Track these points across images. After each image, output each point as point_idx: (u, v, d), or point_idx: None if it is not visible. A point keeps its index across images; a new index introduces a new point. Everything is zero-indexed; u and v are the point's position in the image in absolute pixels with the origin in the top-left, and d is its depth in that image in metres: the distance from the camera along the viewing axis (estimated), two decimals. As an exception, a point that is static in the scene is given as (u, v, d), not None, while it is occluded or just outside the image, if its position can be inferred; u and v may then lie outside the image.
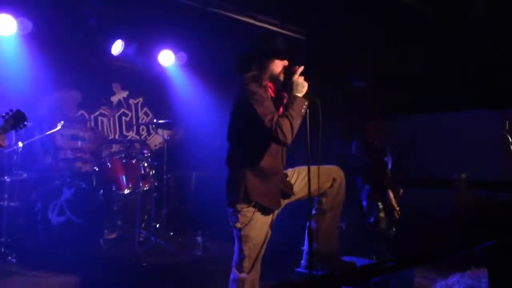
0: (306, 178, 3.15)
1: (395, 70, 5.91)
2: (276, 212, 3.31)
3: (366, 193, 5.02)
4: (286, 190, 3.33)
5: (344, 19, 5.66)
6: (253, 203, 3.15)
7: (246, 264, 3.19)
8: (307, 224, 3.41)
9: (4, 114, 3.11)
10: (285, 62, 3.24)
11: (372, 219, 4.89)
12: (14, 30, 5.30)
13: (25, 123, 3.15)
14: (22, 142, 4.96)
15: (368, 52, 5.90)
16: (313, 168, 3.30)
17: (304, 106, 3.06)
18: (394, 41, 5.73)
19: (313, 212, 3.58)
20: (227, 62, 3.86)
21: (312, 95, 3.10)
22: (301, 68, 3.14)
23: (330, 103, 3.72)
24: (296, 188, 3.40)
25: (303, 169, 3.27)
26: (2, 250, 4.77)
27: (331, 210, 3.57)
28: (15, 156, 5.02)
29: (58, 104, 5.74)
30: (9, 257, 4.72)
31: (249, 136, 3.16)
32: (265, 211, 3.19)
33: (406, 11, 5.24)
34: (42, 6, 5.15)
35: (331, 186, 3.52)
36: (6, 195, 4.89)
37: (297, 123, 3.01)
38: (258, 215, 3.17)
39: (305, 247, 3.59)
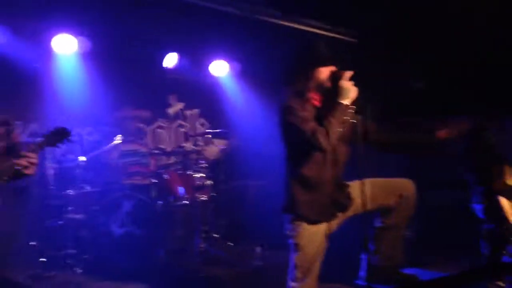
0: (369, 191, 3.07)
1: (453, 70, 5.62)
2: (334, 223, 3.21)
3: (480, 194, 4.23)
4: (343, 201, 3.22)
5: (398, 18, 5.45)
6: (299, 214, 3.12)
7: (297, 273, 3.14)
8: (368, 235, 3.30)
9: (45, 133, 3.07)
10: (332, 68, 3.15)
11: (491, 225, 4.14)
12: (74, 49, 5.52)
13: (67, 138, 3.09)
14: (85, 156, 5.16)
15: (425, 51, 5.65)
16: (378, 181, 3.23)
17: (346, 113, 3.00)
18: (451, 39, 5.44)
19: (377, 224, 3.44)
20: (279, 70, 3.82)
21: (363, 101, 3.01)
22: (348, 73, 3.04)
23: (387, 106, 3.58)
24: (358, 200, 3.24)
25: (368, 182, 3.17)
26: (68, 261, 4.94)
27: (395, 226, 3.40)
28: (78, 170, 5.22)
29: (123, 120, 5.91)
30: (75, 268, 4.88)
31: (289, 146, 3.18)
32: (312, 222, 3.13)
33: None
34: (99, 25, 5.33)
35: (397, 202, 3.33)
36: (70, 208, 5.08)
37: (334, 129, 2.96)
38: (306, 224, 3.12)
39: (364, 258, 3.46)
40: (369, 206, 3.12)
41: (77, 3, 4.84)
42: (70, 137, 3.04)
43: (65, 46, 5.46)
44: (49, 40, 5.38)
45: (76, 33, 5.42)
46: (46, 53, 5.51)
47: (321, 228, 3.14)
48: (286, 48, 5.24)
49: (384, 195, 3.28)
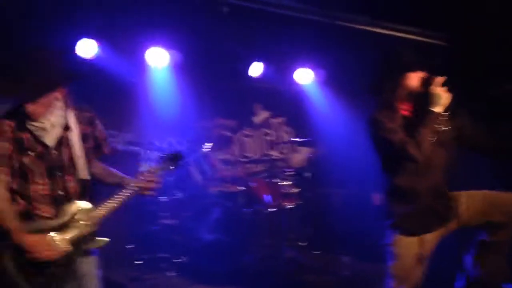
0: (479, 204, 2.97)
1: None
2: (436, 235, 3.07)
3: None
4: (443, 212, 3.08)
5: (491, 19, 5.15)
6: (393, 224, 3.06)
7: (393, 284, 3.06)
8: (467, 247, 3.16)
9: (162, 155, 2.94)
10: (422, 74, 3.02)
11: None
12: (166, 62, 5.78)
13: (177, 163, 2.93)
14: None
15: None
16: (489, 195, 3.07)
17: (438, 121, 2.87)
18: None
19: (481, 237, 3.18)
20: (364, 76, 3.75)
21: (456, 107, 2.88)
22: (440, 79, 2.91)
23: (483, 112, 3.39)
24: (464, 214, 3.07)
25: (476, 194, 3.05)
26: (162, 264, 5.17)
27: (502, 242, 3.13)
28: (170, 178, 5.46)
29: (210, 130, 6.10)
30: (167, 272, 5.09)
31: (381, 157, 3.11)
32: (407, 233, 3.02)
33: None
34: (189, 37, 5.54)
35: (507, 220, 3.04)
36: (163, 214, 5.32)
37: (425, 139, 2.84)
38: (403, 235, 3.03)
39: (463, 272, 3.27)
40: (475, 221, 3.01)
41: (169, 18, 5.06)
42: (183, 162, 2.97)
43: (158, 59, 5.73)
44: (143, 54, 5.66)
45: (168, 46, 5.66)
46: (140, 66, 5.81)
47: (420, 238, 3.02)
48: (372, 55, 5.16)
49: (494, 211, 3.03)
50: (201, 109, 6.17)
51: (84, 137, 2.73)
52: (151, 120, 6.09)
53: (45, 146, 2.61)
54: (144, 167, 2.79)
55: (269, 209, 5.67)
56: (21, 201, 2.56)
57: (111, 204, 2.67)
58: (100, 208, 2.65)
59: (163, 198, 5.34)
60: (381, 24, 5.50)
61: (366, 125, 3.07)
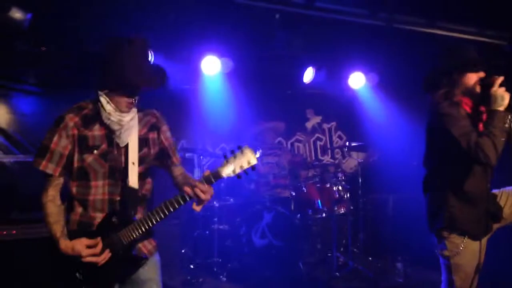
0: None
1: None
2: (486, 238, 2.99)
3: None
4: (496, 212, 2.98)
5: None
6: (460, 230, 2.92)
7: None
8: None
9: (225, 154, 2.44)
10: (481, 74, 2.94)
11: None
12: (218, 69, 5.89)
13: (254, 165, 2.39)
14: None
15: None
16: None
17: (507, 121, 2.74)
18: None
19: None
20: (419, 79, 3.68)
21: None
22: (500, 79, 2.82)
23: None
24: (506, 211, 3.01)
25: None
26: (215, 269, 5.26)
27: None
28: (222, 184, 5.56)
29: (260, 134, 6.16)
30: (221, 276, 5.17)
31: (448, 158, 2.95)
32: (474, 238, 2.91)
33: None
34: (240, 44, 5.62)
35: None
36: (216, 219, 5.41)
37: (500, 140, 2.72)
38: (468, 242, 2.90)
39: None
40: None
41: (223, 27, 5.16)
42: (255, 166, 2.43)
43: (211, 67, 5.84)
44: (197, 62, 5.79)
45: (221, 54, 5.77)
46: (194, 74, 5.94)
47: (480, 245, 2.93)
48: (429, 57, 5.04)
49: None
50: (253, 115, 6.25)
51: (144, 142, 2.60)
52: (204, 126, 6.22)
53: (112, 144, 2.50)
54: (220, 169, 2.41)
55: (321, 214, 5.66)
56: (79, 209, 2.50)
57: (150, 218, 2.45)
58: (139, 221, 2.47)
59: (215, 204, 5.44)
60: (439, 25, 5.35)
61: (434, 124, 2.97)
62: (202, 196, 2.39)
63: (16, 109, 5.22)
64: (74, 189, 2.50)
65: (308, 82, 6.25)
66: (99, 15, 4.52)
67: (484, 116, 2.89)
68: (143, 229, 2.45)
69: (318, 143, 7.05)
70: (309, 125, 7.00)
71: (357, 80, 6.55)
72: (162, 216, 2.44)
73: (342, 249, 5.88)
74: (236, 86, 6.12)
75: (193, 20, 5.05)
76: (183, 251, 5.60)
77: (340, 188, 5.77)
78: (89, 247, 2.40)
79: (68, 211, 2.51)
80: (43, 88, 5.29)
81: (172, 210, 2.43)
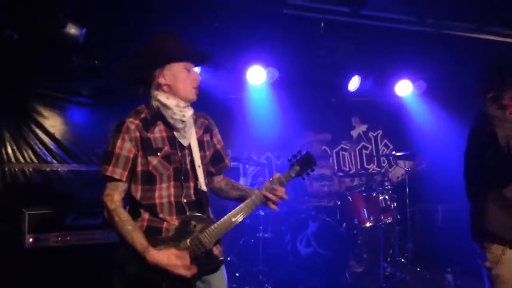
0: None
1: None
2: None
3: None
4: None
5: None
6: (500, 239, 2.85)
7: None
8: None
9: (290, 158, 2.58)
10: None
11: None
12: (263, 79, 5.95)
13: (313, 167, 2.58)
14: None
15: None
16: None
17: None
18: None
19: None
20: (468, 86, 3.61)
21: None
22: None
23: None
24: None
25: None
26: (260, 277, 5.29)
27: None
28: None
29: (307, 144, 6.16)
30: (266, 284, 5.20)
31: (488, 163, 2.90)
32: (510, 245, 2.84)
33: None
34: (285, 54, 5.66)
35: None
36: (261, 227, 5.45)
37: None
38: (509, 252, 2.84)
39: None
40: None
41: (269, 36, 5.21)
42: (315, 166, 2.61)
43: (256, 77, 5.90)
44: (243, 71, 5.86)
45: (266, 64, 5.82)
46: (240, 83, 6.02)
47: None
48: (478, 63, 4.93)
49: None
50: (298, 123, 6.26)
51: (200, 145, 2.58)
52: (249, 135, 6.28)
53: (174, 147, 2.48)
54: (274, 177, 2.53)
55: (367, 224, 5.60)
56: (146, 214, 2.43)
57: (230, 219, 2.46)
58: (219, 223, 2.45)
59: (260, 212, 5.48)
60: (489, 30, 5.23)
61: (478, 127, 2.95)
62: (285, 197, 2.52)
63: (71, 120, 5.44)
64: (138, 194, 2.45)
65: (353, 90, 6.21)
66: (148, 28, 4.67)
67: None
68: (225, 231, 2.45)
69: (364, 151, 6.98)
70: (354, 133, 6.95)
71: (404, 88, 6.44)
72: (242, 218, 2.47)
73: (389, 259, 5.78)
74: (281, 95, 6.15)
75: (239, 29, 5.13)
76: (228, 258, 5.66)
77: (386, 197, 5.69)
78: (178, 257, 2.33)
79: (133, 218, 2.42)
80: (95, 100, 5.49)
81: (248, 213, 2.49)
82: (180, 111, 2.46)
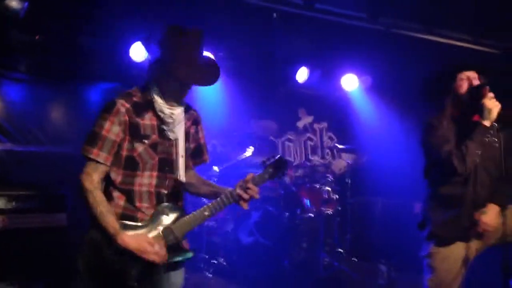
0: None
1: None
2: (473, 250, 3.02)
3: None
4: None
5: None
6: (434, 233, 3.03)
7: None
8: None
9: (265, 160, 2.62)
10: (472, 81, 2.99)
11: None
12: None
13: (284, 171, 2.61)
14: (218, 167, 5.44)
15: None
16: None
17: (487, 135, 2.86)
18: None
19: None
20: (412, 84, 3.72)
21: (507, 116, 2.81)
22: (487, 91, 2.86)
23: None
24: (505, 228, 2.98)
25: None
26: (201, 265, 5.25)
27: None
28: (212, 179, 5.53)
29: (252, 132, 6.14)
30: (206, 272, 5.17)
31: (428, 164, 3.11)
32: (445, 242, 2.99)
33: None
34: (236, 42, 5.58)
35: None
36: (205, 215, 5.38)
37: (474, 152, 2.83)
38: (438, 245, 3.01)
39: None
40: None
41: (219, 24, 5.11)
42: (286, 172, 2.65)
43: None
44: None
45: (216, 51, 5.69)
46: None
47: (456, 251, 2.99)
48: (424, 62, 5.09)
49: None
50: (246, 112, 6.23)
51: (186, 136, 2.53)
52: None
53: (162, 136, 2.42)
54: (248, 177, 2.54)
55: (309, 214, 5.68)
56: (121, 201, 2.37)
57: (202, 213, 2.45)
58: (192, 216, 2.44)
59: (203, 200, 5.42)
60: (436, 32, 5.40)
61: (419, 130, 3.10)
62: (256, 197, 2.50)
63: (6, 96, 5.13)
64: (119, 178, 2.38)
65: (302, 82, 6.25)
66: (90, 4, 4.50)
67: (471, 128, 2.96)
68: (197, 224, 2.45)
69: (309, 143, 7.05)
70: (300, 124, 6.99)
71: (351, 82, 6.54)
72: (211, 214, 2.47)
73: (328, 249, 5.91)
74: (229, 83, 6.08)
75: (190, 17, 5.00)
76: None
77: (329, 188, 5.80)
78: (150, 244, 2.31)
79: (107, 200, 2.35)
80: (34, 76, 5.20)
81: (222, 209, 2.49)
82: (169, 108, 2.41)
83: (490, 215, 2.92)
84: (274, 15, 4.87)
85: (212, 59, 2.55)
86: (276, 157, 2.61)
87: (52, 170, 4.79)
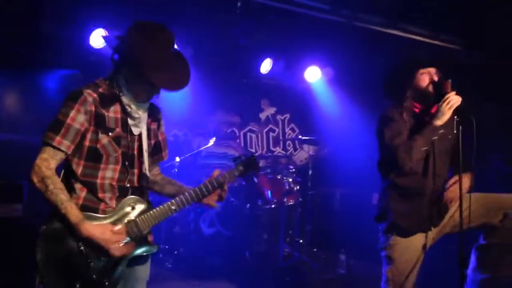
0: (471, 206, 2.95)
1: None
2: (430, 239, 3.10)
3: None
4: (436, 215, 3.11)
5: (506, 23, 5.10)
6: (392, 222, 3.06)
7: (390, 287, 3.07)
8: (469, 252, 3.16)
9: (235, 157, 2.63)
10: (433, 76, 3.06)
11: None
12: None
13: (254, 171, 2.62)
14: (179, 157, 5.39)
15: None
16: (482, 197, 3.08)
17: (435, 134, 2.93)
18: None
19: (481, 241, 3.24)
20: (374, 76, 3.77)
21: (467, 111, 2.88)
22: (450, 85, 2.93)
23: (490, 118, 3.39)
24: (458, 217, 3.09)
25: (467, 197, 2.98)
26: (161, 256, 5.21)
27: (500, 244, 3.16)
28: (173, 170, 5.48)
29: (214, 123, 6.09)
30: (166, 263, 5.14)
31: (380, 156, 3.15)
32: (405, 233, 3.04)
33: None
34: (199, 31, 5.51)
35: (502, 220, 3.09)
36: (164, 205, 5.33)
37: (420, 149, 2.90)
38: (398, 236, 3.05)
39: (465, 276, 3.29)
40: (471, 224, 2.96)
41: (182, 12, 5.03)
42: (258, 171, 2.71)
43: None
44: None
45: (178, 39, 5.62)
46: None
47: (416, 241, 3.05)
48: (385, 56, 5.16)
49: (488, 212, 3.09)
50: (208, 102, 6.18)
51: (148, 132, 2.50)
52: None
53: (126, 130, 2.38)
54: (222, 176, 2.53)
55: (270, 205, 5.71)
56: (82, 192, 2.31)
57: (170, 207, 2.42)
58: (158, 209, 2.40)
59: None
60: (398, 26, 5.48)
61: (377, 123, 3.13)
62: (224, 196, 2.56)
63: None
64: (79, 169, 2.30)
65: (265, 73, 6.24)
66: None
67: (423, 126, 3.02)
68: (163, 218, 2.41)
69: (271, 134, 7.07)
70: (263, 115, 7.01)
71: (313, 74, 6.58)
72: (178, 209, 2.44)
73: (288, 240, 5.96)
74: (192, 72, 5.98)
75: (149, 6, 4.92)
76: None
77: (290, 180, 5.83)
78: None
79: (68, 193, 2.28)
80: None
81: (189, 205, 2.47)
82: (135, 105, 2.37)
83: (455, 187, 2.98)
84: (239, 4, 4.83)
85: (184, 60, 2.49)
86: (248, 156, 2.62)
87: (7, 159, 4.63)
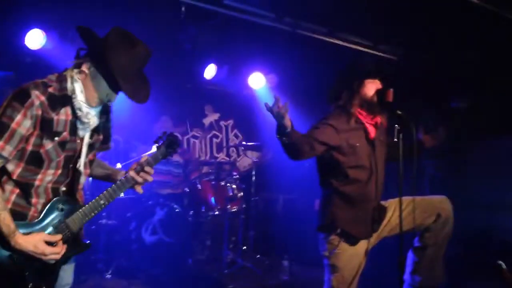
0: (405, 210, 3.03)
1: (499, 87, 5.48)
2: (371, 244, 3.17)
3: None
4: (377, 220, 3.18)
5: (440, 35, 5.35)
6: (338, 230, 3.07)
7: None
8: (405, 255, 3.24)
9: (156, 139, 2.62)
10: (378, 84, 3.14)
11: None
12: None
13: (176, 148, 2.64)
14: (121, 163, 5.23)
15: (468, 69, 5.52)
16: (415, 200, 3.16)
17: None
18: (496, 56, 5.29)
19: (416, 244, 3.37)
20: (317, 84, 3.83)
21: (406, 118, 2.96)
22: (391, 93, 3.03)
23: (426, 123, 3.53)
24: (394, 220, 3.20)
25: (404, 201, 3.05)
26: (100, 266, 5.02)
27: (434, 245, 3.31)
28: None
29: (156, 129, 5.98)
30: (105, 274, 4.95)
31: (319, 163, 3.22)
32: (352, 241, 3.08)
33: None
34: (144, 35, 5.37)
35: (435, 221, 3.25)
36: (104, 214, 5.16)
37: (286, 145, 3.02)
38: (345, 244, 3.08)
39: (402, 279, 3.39)
40: (406, 226, 3.05)
41: (125, 15, 4.91)
42: (177, 147, 2.65)
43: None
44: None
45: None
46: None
47: (359, 248, 3.10)
48: (328, 64, 5.26)
49: (421, 214, 3.20)
50: (150, 107, 6.04)
51: (96, 128, 2.42)
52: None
53: (73, 133, 2.30)
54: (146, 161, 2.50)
55: (214, 212, 5.66)
56: (12, 195, 2.22)
57: (98, 202, 2.39)
58: (87, 207, 2.37)
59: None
60: (339, 35, 5.61)
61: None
62: (150, 179, 2.50)
63: None
64: (17, 171, 2.21)
65: (209, 78, 6.20)
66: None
67: (379, 124, 3.15)
68: (93, 214, 2.38)
69: (215, 140, 7.03)
70: (206, 121, 6.96)
71: (257, 80, 6.60)
72: (107, 202, 2.42)
73: (232, 246, 5.93)
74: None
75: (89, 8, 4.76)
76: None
77: (234, 186, 5.81)
78: (48, 243, 2.21)
79: None
80: None
81: (117, 195, 2.45)
82: (86, 107, 2.29)
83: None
84: (183, 9, 4.77)
85: (147, 79, 2.45)
86: (167, 134, 2.62)
87: None
